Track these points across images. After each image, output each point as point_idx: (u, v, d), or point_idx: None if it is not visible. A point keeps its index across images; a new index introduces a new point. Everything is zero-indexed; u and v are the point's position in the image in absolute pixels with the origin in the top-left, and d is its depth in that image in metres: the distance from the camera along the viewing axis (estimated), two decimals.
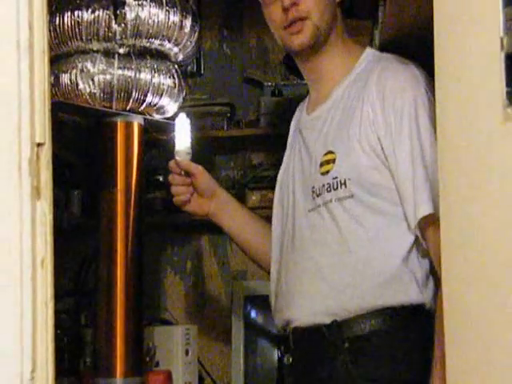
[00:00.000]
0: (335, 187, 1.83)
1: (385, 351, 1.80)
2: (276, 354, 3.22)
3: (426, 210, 1.73)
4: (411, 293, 1.79)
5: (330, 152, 1.87)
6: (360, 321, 1.80)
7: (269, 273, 2.08)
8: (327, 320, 1.83)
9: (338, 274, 1.83)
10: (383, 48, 2.02)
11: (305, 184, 1.92)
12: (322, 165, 1.88)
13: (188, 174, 2.14)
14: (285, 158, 2.07)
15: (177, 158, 2.14)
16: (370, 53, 1.97)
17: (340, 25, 1.99)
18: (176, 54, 2.38)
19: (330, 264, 1.84)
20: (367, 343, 1.80)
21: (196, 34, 2.38)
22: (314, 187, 1.88)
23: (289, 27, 1.93)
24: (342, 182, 1.82)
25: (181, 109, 2.45)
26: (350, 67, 1.95)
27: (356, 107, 1.85)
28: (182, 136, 2.16)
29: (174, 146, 2.16)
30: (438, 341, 1.67)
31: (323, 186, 1.85)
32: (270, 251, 2.07)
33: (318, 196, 1.86)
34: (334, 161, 1.85)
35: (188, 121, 2.19)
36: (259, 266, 2.23)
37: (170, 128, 2.43)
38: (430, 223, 1.74)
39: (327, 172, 1.86)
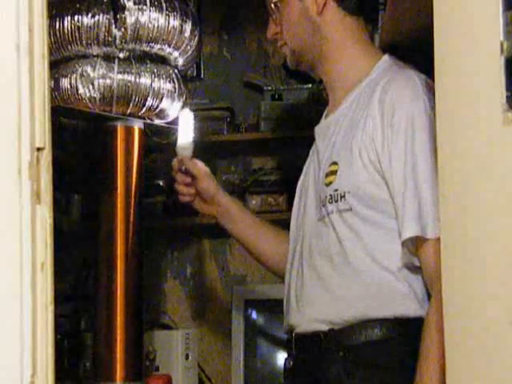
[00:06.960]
0: (336, 199, 1.83)
1: (379, 362, 1.79)
2: (277, 357, 3.23)
3: (410, 231, 1.72)
4: (409, 306, 1.77)
5: (334, 163, 1.86)
6: (356, 330, 1.79)
7: (278, 276, 2.15)
8: (325, 327, 1.83)
9: (337, 283, 1.83)
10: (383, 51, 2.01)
11: (315, 193, 1.92)
12: (327, 175, 1.87)
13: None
14: (305, 165, 2.07)
15: (178, 152, 2.15)
16: (385, 60, 1.92)
17: (346, 32, 1.93)
18: (176, 58, 2.38)
19: (330, 274, 1.84)
20: (361, 353, 1.79)
21: (196, 38, 2.38)
22: (320, 197, 1.89)
23: None
24: (342, 194, 1.82)
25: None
26: (364, 73, 1.90)
27: (360, 119, 1.84)
28: (185, 131, 2.18)
29: (176, 141, 2.18)
30: (424, 360, 1.65)
31: (326, 197, 1.85)
32: (278, 254, 2.11)
33: (323, 206, 1.87)
34: (336, 172, 1.85)
35: (192, 116, 2.21)
36: (268, 270, 2.27)
37: (169, 132, 2.43)
38: (418, 243, 1.73)
39: (330, 183, 1.85)
